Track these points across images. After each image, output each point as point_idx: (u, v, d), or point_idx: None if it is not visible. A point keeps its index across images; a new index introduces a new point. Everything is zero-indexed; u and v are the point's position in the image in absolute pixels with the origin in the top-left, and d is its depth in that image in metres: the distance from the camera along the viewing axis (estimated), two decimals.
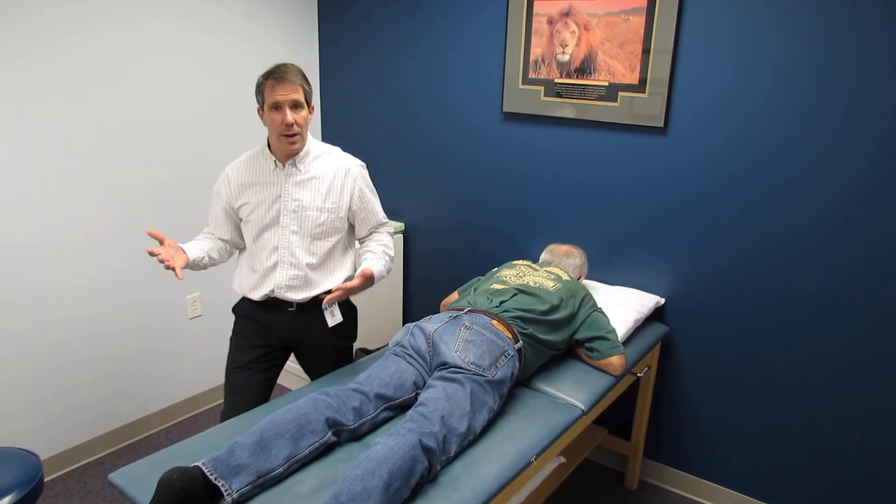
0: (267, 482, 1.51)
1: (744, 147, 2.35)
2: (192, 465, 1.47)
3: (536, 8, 2.67)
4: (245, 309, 2.25)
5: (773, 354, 2.45)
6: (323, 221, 2.13)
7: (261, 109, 2.06)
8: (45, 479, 2.68)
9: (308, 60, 3.46)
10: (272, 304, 2.18)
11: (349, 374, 2.09)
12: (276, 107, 1.99)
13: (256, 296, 2.16)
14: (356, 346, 3.23)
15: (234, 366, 2.22)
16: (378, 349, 2.91)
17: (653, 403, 2.76)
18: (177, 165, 2.94)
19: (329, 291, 2.11)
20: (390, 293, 3.43)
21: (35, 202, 2.49)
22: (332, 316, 2.19)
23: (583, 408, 2.00)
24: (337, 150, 2.24)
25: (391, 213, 3.43)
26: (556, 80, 2.69)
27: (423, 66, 3.12)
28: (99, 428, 2.89)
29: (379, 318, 3.38)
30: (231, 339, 2.28)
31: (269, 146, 2.13)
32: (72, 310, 2.68)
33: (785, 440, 2.50)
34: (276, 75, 1.99)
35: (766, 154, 2.31)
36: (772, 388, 2.48)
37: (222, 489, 1.44)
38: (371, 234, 2.29)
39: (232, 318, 2.29)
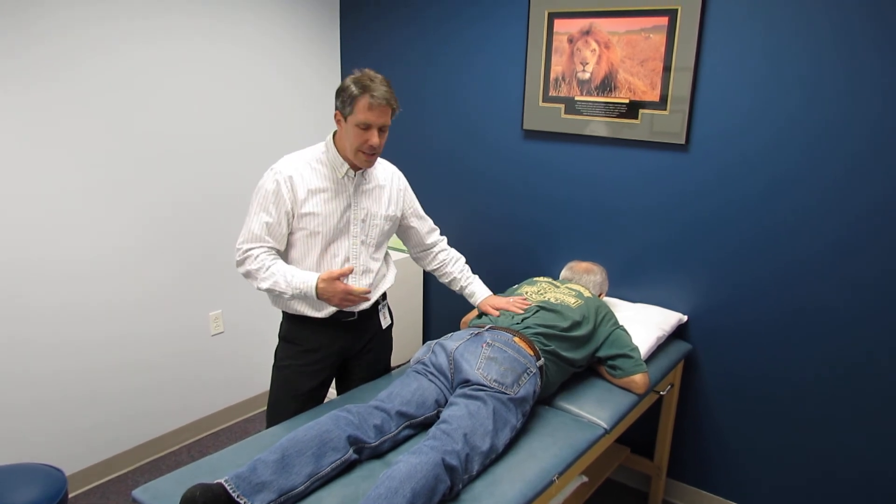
0: (289, 500, 1.51)
1: (767, 164, 2.33)
2: (215, 481, 1.48)
3: (557, 26, 2.68)
4: (302, 332, 2.12)
5: (798, 372, 2.41)
6: (387, 230, 2.17)
7: (341, 115, 1.93)
8: (70, 495, 2.71)
9: (329, 78, 3.51)
10: (332, 318, 2.10)
11: (371, 392, 2.09)
12: (366, 126, 1.89)
13: (324, 312, 2.08)
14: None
15: (294, 393, 2.12)
16: (399, 366, 2.91)
17: (676, 422, 2.72)
18: (202, 185, 2.99)
19: (384, 296, 2.25)
20: (411, 310, 3.43)
21: (62, 220, 2.54)
22: (385, 318, 2.28)
23: (605, 426, 1.98)
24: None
25: None
26: (577, 98, 2.70)
27: (444, 83, 3.15)
28: (122, 444, 2.91)
29: (400, 335, 3.36)
30: (283, 365, 2.15)
31: (337, 151, 2.02)
32: (94, 327, 2.71)
33: (812, 460, 2.45)
34: (375, 94, 1.86)
35: (790, 171, 2.29)
36: (797, 406, 2.44)
37: None
38: (437, 243, 2.36)
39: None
